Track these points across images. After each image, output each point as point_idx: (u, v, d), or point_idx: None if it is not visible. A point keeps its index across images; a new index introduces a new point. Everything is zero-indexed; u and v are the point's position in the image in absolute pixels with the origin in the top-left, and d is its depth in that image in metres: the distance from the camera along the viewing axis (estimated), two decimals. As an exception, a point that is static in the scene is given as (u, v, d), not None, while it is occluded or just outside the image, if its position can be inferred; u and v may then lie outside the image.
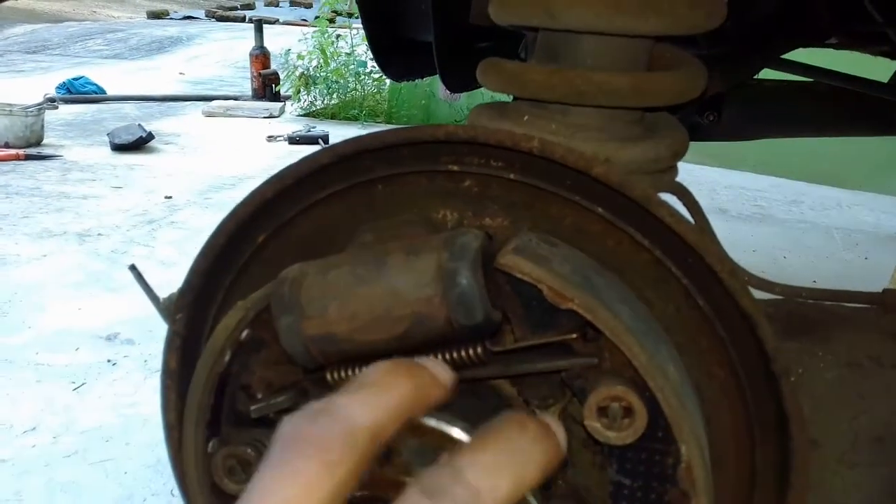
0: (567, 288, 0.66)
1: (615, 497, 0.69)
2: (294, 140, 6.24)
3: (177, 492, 0.68)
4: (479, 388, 0.72)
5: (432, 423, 0.60)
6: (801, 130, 2.14)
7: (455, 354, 0.68)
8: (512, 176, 0.73)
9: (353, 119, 7.02)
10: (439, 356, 0.68)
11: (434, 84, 6.35)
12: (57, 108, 7.21)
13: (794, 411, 0.70)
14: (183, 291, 0.82)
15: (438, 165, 0.75)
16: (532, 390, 0.70)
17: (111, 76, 8.54)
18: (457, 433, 0.60)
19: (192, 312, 0.81)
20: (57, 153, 5.97)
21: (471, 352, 0.67)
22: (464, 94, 5.77)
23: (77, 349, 3.07)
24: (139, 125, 6.23)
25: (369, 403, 0.49)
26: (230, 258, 0.81)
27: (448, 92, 4.46)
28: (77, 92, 7.74)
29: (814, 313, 0.84)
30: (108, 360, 2.99)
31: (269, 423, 0.76)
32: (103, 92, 7.87)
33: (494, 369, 0.68)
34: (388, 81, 7.24)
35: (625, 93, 0.83)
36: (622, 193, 0.70)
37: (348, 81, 7.36)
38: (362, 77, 7.36)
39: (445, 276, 0.65)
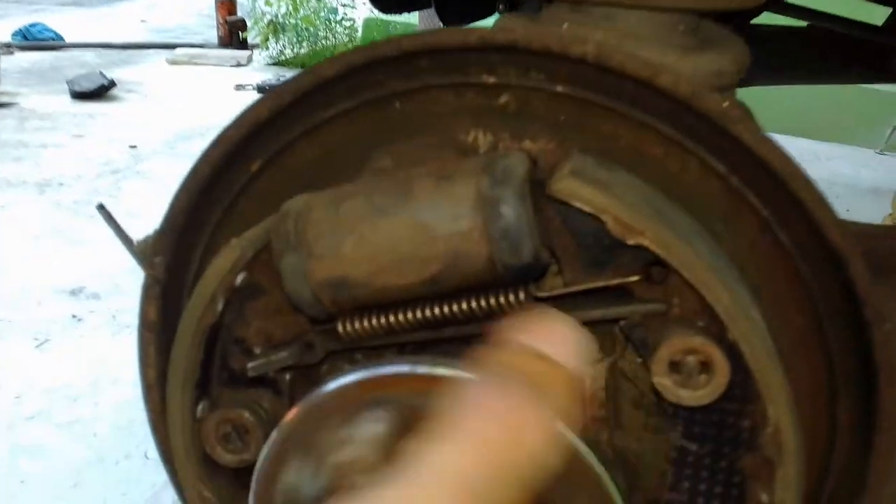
0: (638, 219, 0.55)
1: (678, 464, 0.60)
2: (263, 89, 6.05)
3: (152, 454, 0.58)
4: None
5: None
6: (796, 77, 2.08)
7: (493, 301, 0.57)
8: (559, 88, 0.62)
9: (324, 68, 6.83)
10: (473, 302, 0.57)
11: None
12: (12, 53, 6.93)
13: (885, 363, 0.60)
14: (162, 231, 0.70)
15: (468, 77, 0.64)
16: None
17: (69, 23, 8.21)
18: None
19: (173, 255, 0.70)
20: (13, 101, 5.73)
21: (511, 297, 0.57)
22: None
23: (39, 304, 2.93)
24: (100, 73, 6.00)
25: None
26: (218, 192, 0.70)
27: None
28: (34, 39, 7.44)
29: (893, 254, 0.74)
30: (73, 316, 2.85)
31: (268, 383, 0.65)
32: (61, 39, 7.58)
33: None
34: (359, 30, 7.05)
35: None
36: (692, 108, 0.58)
37: (318, 29, 7.15)
38: (333, 25, 7.15)
39: (487, 205, 0.54)
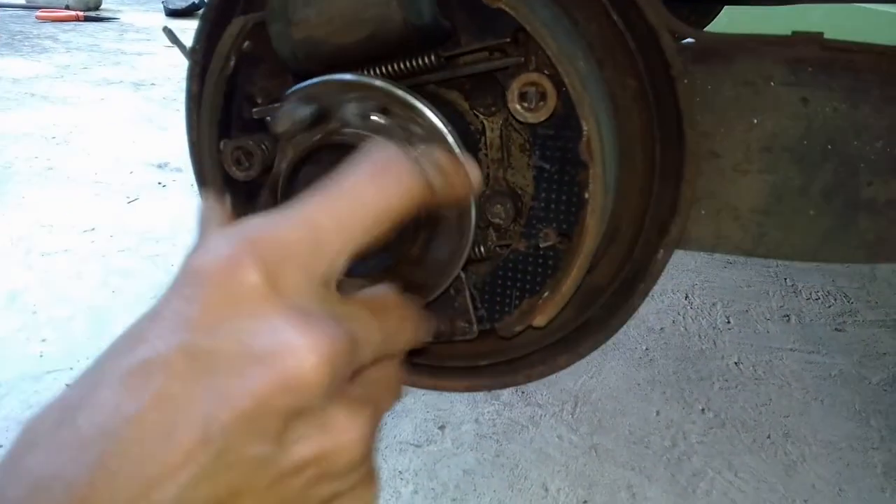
0: None
1: (537, 180, 0.81)
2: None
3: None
4: (437, 101, 0.80)
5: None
6: None
7: (413, 62, 0.79)
8: None
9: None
10: (400, 64, 0.78)
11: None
12: (114, -24, 7.37)
13: (686, 109, 0.81)
14: (201, 25, 0.89)
15: None
16: (479, 100, 0.82)
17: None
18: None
19: (207, 41, 0.89)
20: (114, 17, 6.19)
21: (425, 59, 0.78)
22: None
23: (131, 172, 3.35)
24: (193, -6, 6.41)
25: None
26: None
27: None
28: (134, -37, 7.86)
29: (724, 46, 1.01)
30: (159, 183, 3.27)
31: (269, 130, 0.81)
32: (159, -35, 7.99)
33: (445, 73, 0.80)
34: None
35: None
36: None
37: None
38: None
39: None
